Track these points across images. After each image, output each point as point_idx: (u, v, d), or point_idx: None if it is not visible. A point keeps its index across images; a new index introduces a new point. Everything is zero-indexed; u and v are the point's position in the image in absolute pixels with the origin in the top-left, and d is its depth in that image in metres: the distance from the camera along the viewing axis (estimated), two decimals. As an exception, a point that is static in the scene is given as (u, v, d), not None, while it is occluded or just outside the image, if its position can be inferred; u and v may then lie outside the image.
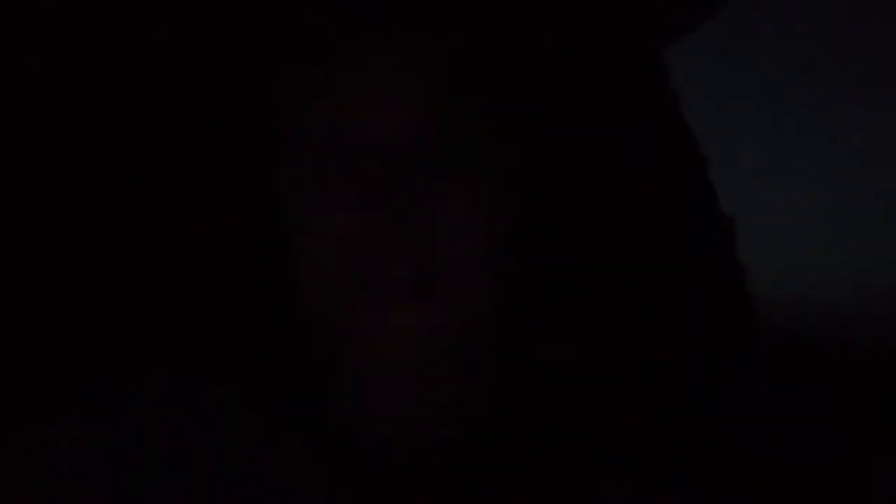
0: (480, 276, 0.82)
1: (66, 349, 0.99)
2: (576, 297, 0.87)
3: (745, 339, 0.94)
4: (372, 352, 0.81)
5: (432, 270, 0.81)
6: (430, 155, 0.81)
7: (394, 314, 0.81)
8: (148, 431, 0.85)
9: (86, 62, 0.92)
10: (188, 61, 0.87)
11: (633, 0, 0.88)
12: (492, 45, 0.84)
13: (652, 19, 0.89)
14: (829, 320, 1.62)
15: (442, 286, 0.81)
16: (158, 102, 0.90)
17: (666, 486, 0.89)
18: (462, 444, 0.84)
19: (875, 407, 1.43)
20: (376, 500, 0.83)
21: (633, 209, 0.89)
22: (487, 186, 0.83)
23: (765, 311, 0.95)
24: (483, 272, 0.82)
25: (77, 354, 0.98)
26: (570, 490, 0.86)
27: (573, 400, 0.87)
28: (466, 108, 0.83)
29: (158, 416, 0.86)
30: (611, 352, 0.88)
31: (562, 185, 0.87)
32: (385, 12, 0.82)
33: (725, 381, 0.94)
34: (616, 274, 0.88)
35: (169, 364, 0.89)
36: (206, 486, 0.84)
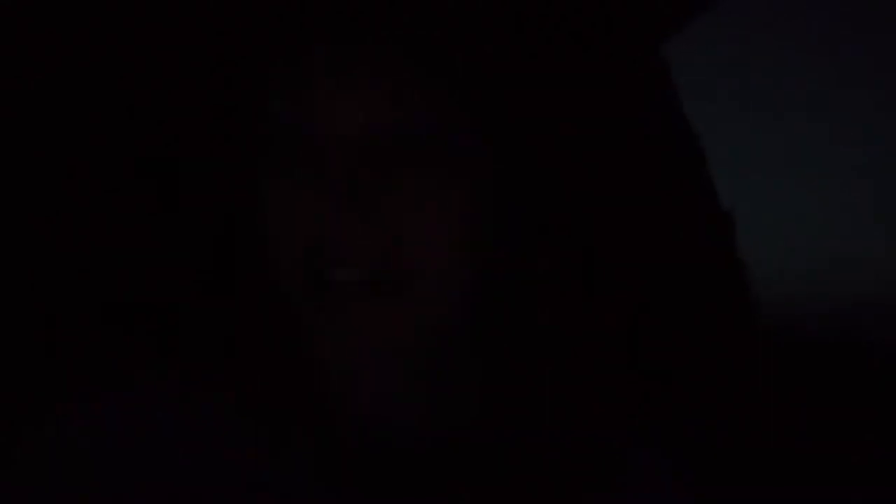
0: (450, 275, 0.82)
1: (65, 349, 0.99)
2: (569, 290, 0.87)
3: (743, 335, 0.94)
4: (337, 348, 0.81)
5: (396, 271, 0.80)
6: (400, 153, 0.81)
7: (356, 312, 0.80)
8: (143, 430, 0.85)
9: (59, 68, 0.93)
10: (160, 59, 0.87)
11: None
12: (469, 41, 0.83)
13: (650, 15, 0.89)
14: (829, 318, 1.62)
15: (408, 285, 0.81)
16: (131, 100, 0.91)
17: (663, 483, 0.89)
18: (442, 438, 0.84)
19: (874, 404, 1.43)
20: (360, 493, 0.83)
21: (629, 206, 0.89)
22: (459, 186, 0.82)
23: (764, 306, 0.95)
24: (453, 271, 0.82)
25: (76, 354, 0.98)
26: (556, 483, 0.86)
27: (563, 397, 0.87)
28: (440, 106, 0.82)
29: (153, 415, 0.86)
30: (604, 347, 0.88)
31: (554, 184, 0.87)
32: (357, 9, 0.81)
33: (723, 377, 0.94)
34: (612, 269, 0.88)
35: (160, 364, 0.89)
36: (202, 483, 0.84)
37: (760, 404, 0.97)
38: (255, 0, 0.83)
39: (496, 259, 0.85)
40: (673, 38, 0.93)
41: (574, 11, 0.86)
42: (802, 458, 1.06)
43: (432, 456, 0.84)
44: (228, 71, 0.85)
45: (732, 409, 0.95)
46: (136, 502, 0.84)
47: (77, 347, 0.99)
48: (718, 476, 0.93)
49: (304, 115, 0.82)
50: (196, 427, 0.86)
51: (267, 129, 0.83)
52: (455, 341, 0.85)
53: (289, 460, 0.85)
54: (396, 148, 0.81)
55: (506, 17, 0.84)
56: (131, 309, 0.96)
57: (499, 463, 0.86)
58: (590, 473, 0.87)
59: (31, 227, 0.99)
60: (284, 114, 0.82)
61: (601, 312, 0.89)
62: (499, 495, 0.85)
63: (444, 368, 0.85)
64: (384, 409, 0.84)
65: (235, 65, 0.85)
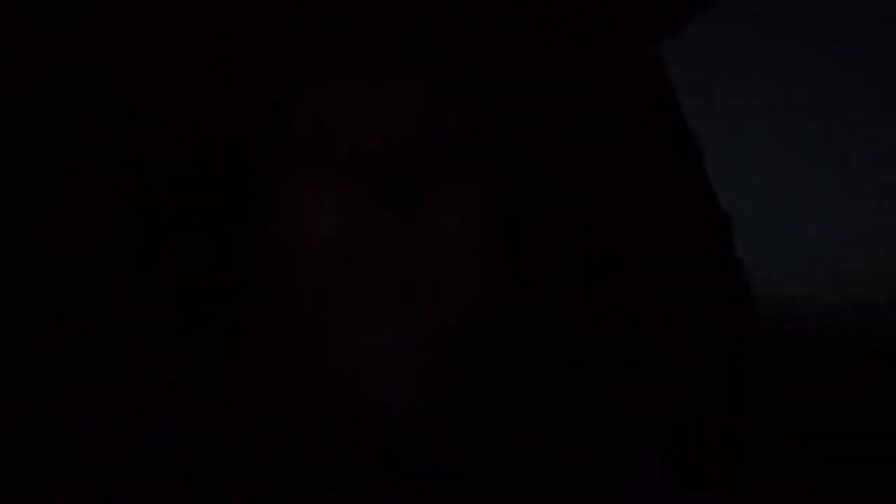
0: (469, 278, 0.82)
1: (66, 348, 0.99)
2: (570, 291, 0.87)
3: (742, 336, 0.94)
4: (356, 350, 0.81)
5: (418, 273, 0.81)
6: (420, 157, 0.81)
7: (380, 311, 0.81)
8: (145, 430, 0.85)
9: (73, 63, 0.92)
10: (176, 60, 0.87)
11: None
12: (483, 47, 0.84)
13: (649, 14, 0.89)
14: (828, 318, 1.61)
15: (429, 288, 0.81)
16: (144, 102, 0.91)
17: (660, 482, 0.89)
18: (453, 434, 0.84)
19: (873, 405, 1.43)
20: (367, 496, 0.83)
21: (629, 207, 0.89)
22: (478, 189, 0.83)
23: (763, 308, 0.95)
24: (474, 266, 0.82)
25: (76, 354, 0.98)
26: (560, 483, 0.86)
27: (564, 393, 0.87)
28: (457, 111, 0.82)
29: (154, 415, 0.86)
30: (606, 348, 0.88)
31: (555, 184, 0.87)
32: (373, 16, 0.82)
33: (723, 378, 0.94)
34: (612, 270, 0.88)
35: (163, 363, 0.89)
36: (203, 483, 0.84)
37: (760, 404, 0.97)
38: (277, 2, 0.83)
39: (510, 261, 0.85)
40: (672, 39, 0.93)
41: (578, 13, 0.86)
42: (803, 458, 1.06)
43: (438, 457, 0.85)
44: (250, 74, 0.85)
45: (732, 409, 0.95)
46: (136, 502, 0.84)
47: (79, 348, 0.99)
48: (719, 476, 0.92)
49: (328, 119, 0.82)
50: (198, 428, 0.86)
51: (289, 132, 0.83)
52: (469, 344, 0.85)
53: (294, 462, 0.85)
54: (422, 152, 0.82)
55: (525, 23, 0.84)
56: (134, 309, 0.96)
57: (502, 464, 0.86)
58: (592, 474, 0.87)
59: (32, 226, 0.99)
60: (308, 118, 0.83)
61: (602, 313, 0.89)
62: (502, 496, 0.85)
63: (456, 371, 0.85)
64: (397, 412, 0.84)
65: (257, 68, 0.85)
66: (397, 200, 0.81)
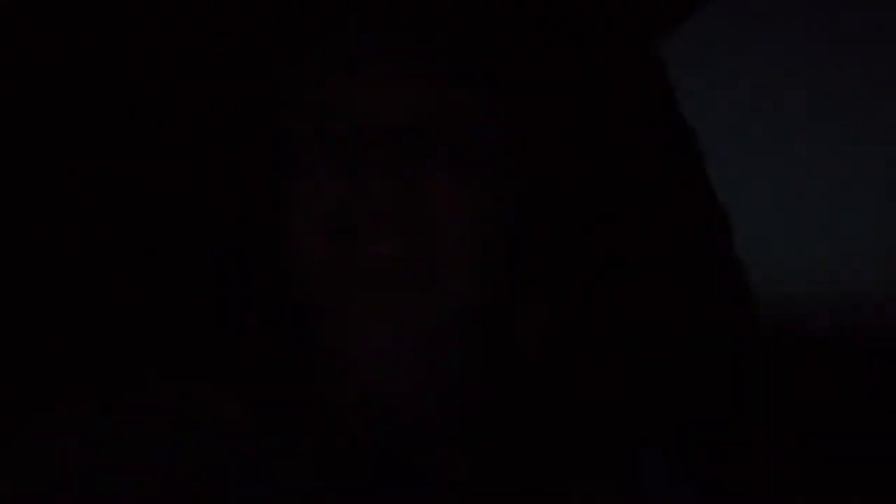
0: (471, 265, 0.83)
1: (67, 349, 0.99)
2: (570, 290, 0.88)
3: (742, 336, 0.94)
4: (360, 340, 0.82)
5: (421, 258, 0.81)
6: (420, 156, 0.82)
7: (381, 302, 0.81)
8: (145, 430, 0.86)
9: (75, 62, 0.93)
10: (177, 59, 0.88)
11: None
12: (489, 34, 0.84)
13: (648, 14, 0.90)
14: (829, 317, 1.61)
15: (431, 274, 0.82)
16: (145, 101, 0.91)
17: (661, 482, 0.89)
18: (454, 433, 0.84)
19: (874, 403, 1.43)
20: (370, 490, 0.83)
21: (629, 204, 0.89)
22: (480, 176, 0.83)
23: (762, 306, 0.95)
24: (474, 260, 0.83)
25: (77, 354, 0.98)
26: (561, 483, 0.86)
27: (565, 392, 0.87)
28: (460, 97, 0.83)
29: (155, 414, 0.86)
30: (606, 347, 0.88)
31: (555, 183, 0.87)
32: (374, 16, 0.82)
33: (723, 378, 0.94)
34: (612, 269, 0.88)
35: (164, 362, 0.89)
36: (204, 483, 0.84)
37: (760, 403, 0.97)
38: (279, 2, 0.83)
39: (511, 258, 0.85)
40: (672, 39, 0.93)
41: (578, 13, 0.86)
42: (803, 458, 1.06)
43: (438, 456, 0.85)
44: (251, 73, 0.85)
45: (732, 409, 0.95)
46: (136, 503, 0.84)
47: (79, 347, 0.99)
48: (720, 475, 0.93)
49: (329, 118, 0.82)
50: (198, 427, 0.86)
51: (289, 131, 0.83)
52: (470, 342, 0.85)
53: (294, 462, 0.85)
54: (422, 151, 0.82)
55: (525, 22, 0.84)
56: (134, 308, 0.96)
57: (502, 463, 0.86)
58: (593, 473, 0.87)
59: (34, 226, 0.99)
60: (308, 117, 0.83)
61: (602, 312, 0.89)
62: (502, 495, 0.85)
63: (457, 369, 0.85)
64: (397, 410, 0.84)
65: (258, 67, 0.85)
66: (397, 199, 0.81)
